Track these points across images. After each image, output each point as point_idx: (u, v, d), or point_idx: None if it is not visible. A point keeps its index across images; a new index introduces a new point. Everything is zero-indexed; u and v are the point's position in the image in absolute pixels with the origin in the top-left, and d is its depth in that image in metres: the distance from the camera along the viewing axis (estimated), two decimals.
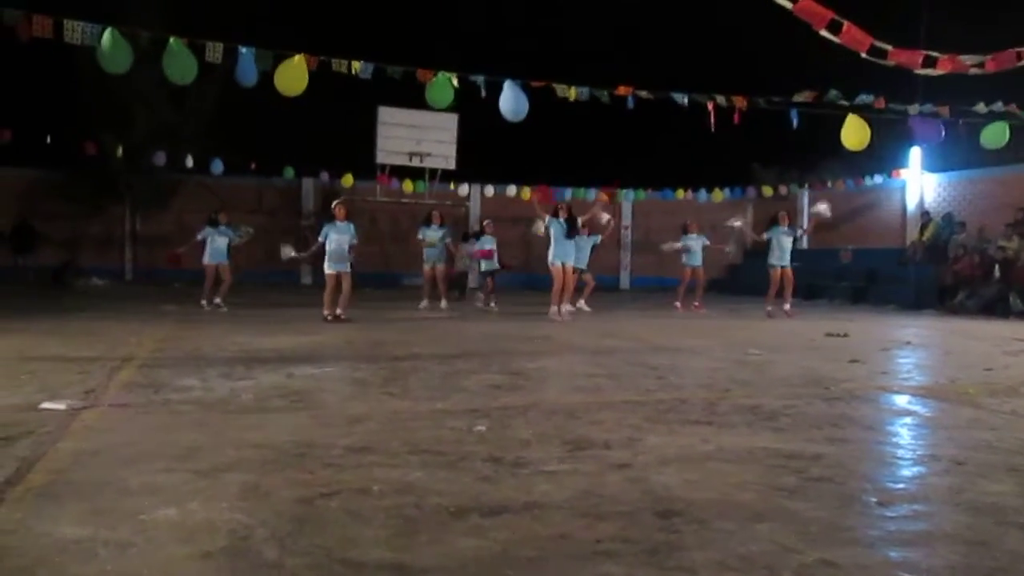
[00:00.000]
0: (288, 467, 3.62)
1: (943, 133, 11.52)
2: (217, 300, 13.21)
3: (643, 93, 12.03)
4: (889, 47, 9.58)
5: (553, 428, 4.53)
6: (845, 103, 11.21)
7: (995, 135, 11.99)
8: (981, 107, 12.29)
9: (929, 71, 10.07)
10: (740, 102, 12.08)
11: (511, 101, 10.98)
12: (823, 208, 14.24)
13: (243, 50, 10.18)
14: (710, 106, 12.04)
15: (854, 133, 11.36)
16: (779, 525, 2.93)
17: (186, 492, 3.21)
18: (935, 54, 9.84)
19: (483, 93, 11.33)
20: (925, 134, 11.51)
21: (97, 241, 22.47)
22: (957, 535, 2.90)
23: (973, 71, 10.13)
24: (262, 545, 2.67)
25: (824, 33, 9.10)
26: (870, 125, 11.61)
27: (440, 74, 10.94)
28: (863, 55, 9.50)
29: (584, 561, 2.58)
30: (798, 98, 12.22)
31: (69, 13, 9.39)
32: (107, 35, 9.30)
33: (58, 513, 2.95)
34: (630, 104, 12.00)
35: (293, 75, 10.12)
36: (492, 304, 14.74)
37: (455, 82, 11.04)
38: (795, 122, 12.43)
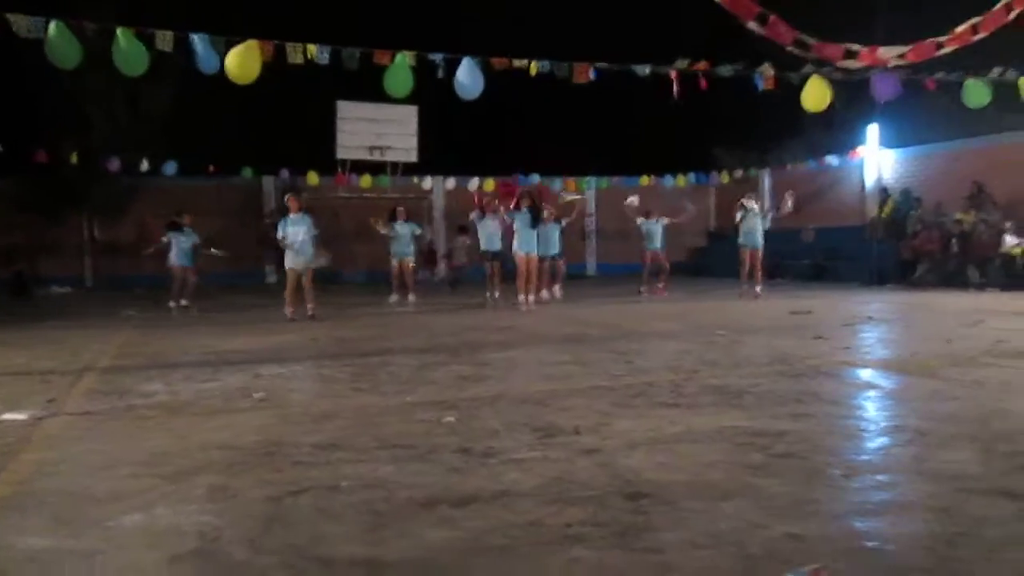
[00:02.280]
0: (256, 467, 3.60)
1: (900, 88, 11.53)
2: (183, 302, 13.07)
3: (603, 65, 11.96)
4: (812, 41, 9.78)
5: (522, 417, 4.54)
6: (809, 62, 11.16)
7: (977, 94, 11.91)
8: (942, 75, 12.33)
9: (850, 63, 10.26)
10: (702, 66, 12.05)
11: (467, 77, 10.89)
12: (790, 203, 14.42)
13: (195, 37, 9.96)
14: (673, 75, 12.00)
15: (815, 94, 11.33)
16: (746, 502, 2.97)
17: (153, 497, 3.18)
18: (856, 47, 10.03)
19: (440, 73, 11.15)
20: (884, 90, 11.51)
21: (55, 249, 22.07)
22: (920, 503, 2.96)
23: (893, 63, 10.36)
24: (232, 546, 2.65)
25: (751, 25, 9.28)
26: (832, 88, 11.57)
27: (398, 57, 10.78)
28: (787, 48, 9.72)
29: (554, 546, 2.60)
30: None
31: (13, 8, 9.18)
32: (53, 28, 9.10)
33: (22, 524, 2.91)
34: (592, 76, 11.93)
35: (244, 60, 9.89)
36: (494, 296, 13.83)
37: (412, 62, 10.88)
38: (759, 86, 12.38)
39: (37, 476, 3.54)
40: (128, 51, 9.51)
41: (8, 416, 4.75)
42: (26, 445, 4.11)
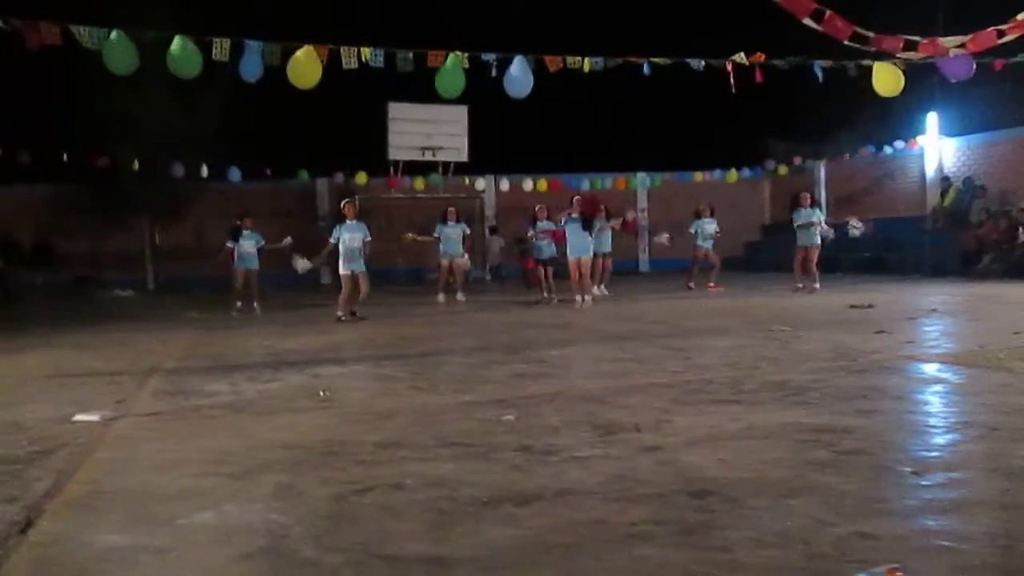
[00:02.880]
0: (320, 466, 3.65)
1: (973, 67, 11.13)
2: (255, 304, 13.32)
3: (658, 60, 11.84)
4: (871, 34, 9.60)
5: (581, 414, 4.53)
6: (871, 50, 10.87)
7: None
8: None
9: (911, 55, 10.04)
10: (759, 58, 11.85)
11: (516, 77, 10.88)
12: (857, 226, 14.18)
13: (249, 43, 10.14)
14: (728, 67, 11.83)
15: (886, 79, 11.02)
16: (813, 500, 2.92)
17: (221, 495, 3.24)
18: (916, 38, 9.83)
19: (494, 72, 11.15)
20: (957, 70, 11.12)
21: (118, 254, 22.66)
22: (994, 501, 2.88)
23: (953, 52, 10.11)
24: (300, 544, 2.69)
25: (807, 21, 9.16)
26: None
27: (450, 57, 10.81)
28: (845, 42, 9.56)
29: (619, 545, 2.59)
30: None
31: (73, 19, 9.43)
32: (113, 35, 9.34)
33: (97, 522, 2.99)
34: (646, 70, 11.82)
35: (305, 67, 10.05)
36: (551, 295, 13.64)
37: (465, 63, 10.90)
38: (820, 77, 12.12)
39: (110, 475, 3.63)
40: (181, 56, 9.69)
41: (81, 417, 4.88)
42: (98, 445, 4.22)
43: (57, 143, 18.99)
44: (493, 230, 20.21)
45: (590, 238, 12.88)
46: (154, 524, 2.93)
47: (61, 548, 2.75)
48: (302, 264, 12.54)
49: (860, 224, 14.55)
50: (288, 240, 13.40)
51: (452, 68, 10.80)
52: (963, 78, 11.41)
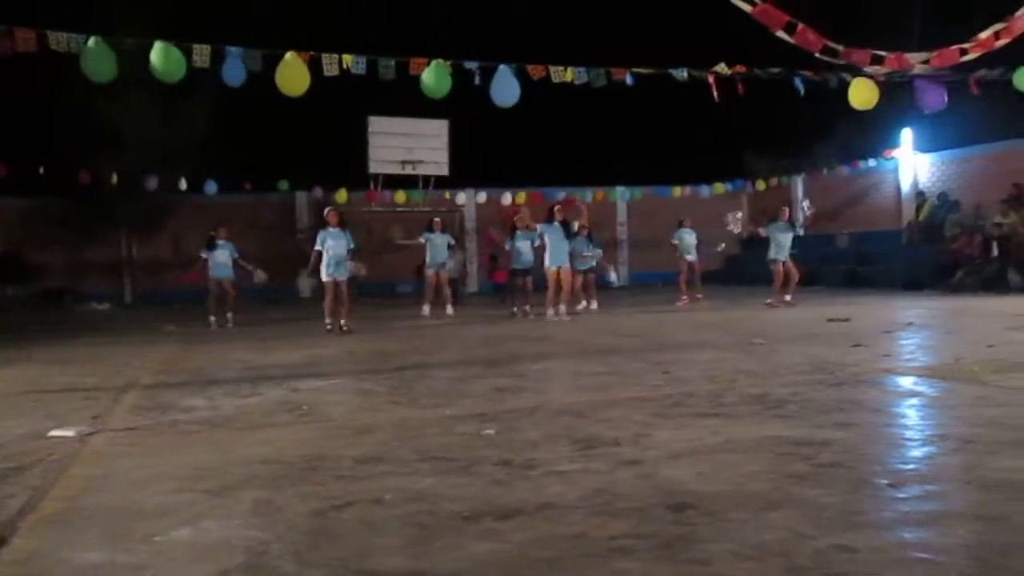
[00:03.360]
0: (299, 481, 3.62)
1: (946, 99, 11.32)
2: (228, 315, 13.28)
3: (641, 71, 11.92)
4: (840, 47, 9.79)
5: (561, 428, 4.54)
6: (841, 63, 11.02)
7: None
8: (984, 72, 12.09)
9: (877, 68, 10.24)
10: (740, 69, 11.97)
11: (502, 85, 10.91)
12: (806, 207, 14.33)
13: (230, 49, 10.09)
14: (711, 79, 11.93)
15: (862, 93, 11.16)
16: (792, 512, 2.94)
17: (199, 511, 3.21)
18: (882, 53, 10.04)
19: (477, 80, 11.14)
20: (931, 101, 11.32)
21: (95, 266, 22.48)
22: (970, 513, 2.91)
23: (918, 68, 10.33)
24: (279, 560, 2.67)
25: (780, 34, 9.34)
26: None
27: (435, 62, 10.81)
28: (816, 55, 9.75)
29: (600, 559, 2.59)
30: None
31: (50, 25, 9.36)
32: (91, 42, 9.27)
33: (73, 539, 2.95)
34: (629, 81, 11.89)
35: (293, 74, 10.02)
36: (529, 307, 13.64)
37: (449, 70, 10.90)
38: (801, 90, 12.25)
39: (86, 491, 3.59)
40: (163, 60, 9.62)
41: (56, 433, 4.83)
42: (74, 461, 4.18)
43: (33, 155, 18.82)
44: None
45: (569, 247, 12.82)
46: (131, 541, 2.90)
47: (36, 566, 2.72)
48: (259, 275, 12.72)
49: (808, 208, 14.68)
50: (262, 276, 13.52)
51: (438, 67, 10.75)
52: (936, 109, 11.63)
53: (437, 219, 14.75)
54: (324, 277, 11.51)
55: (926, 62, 10.26)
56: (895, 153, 21.09)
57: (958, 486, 3.26)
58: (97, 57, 9.31)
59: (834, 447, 3.89)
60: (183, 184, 20.48)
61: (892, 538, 2.70)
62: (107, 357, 9.34)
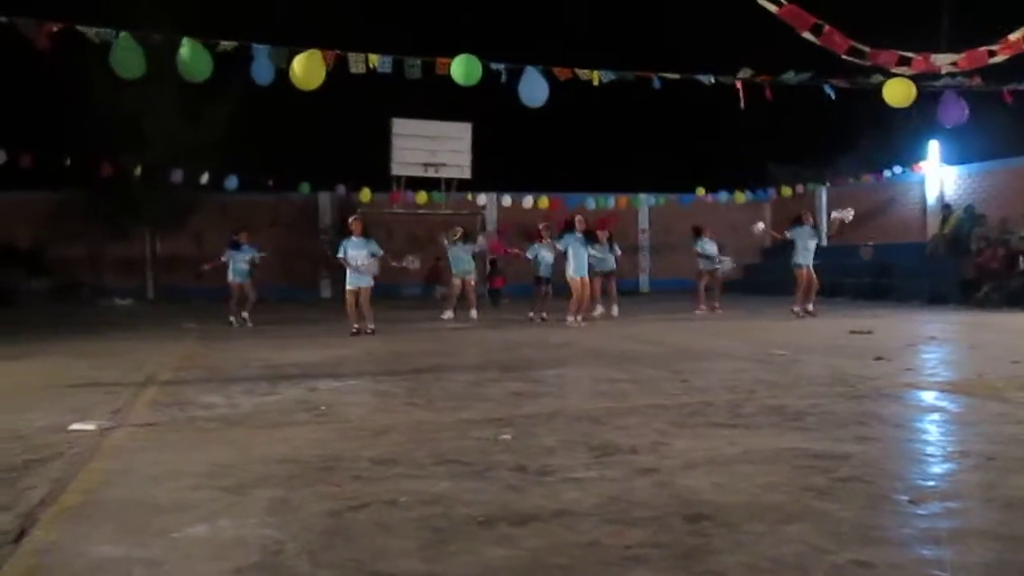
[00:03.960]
0: (316, 481, 3.64)
1: (966, 114, 11.18)
2: (244, 315, 13.37)
3: (668, 75, 11.86)
4: (867, 48, 9.70)
5: (578, 435, 4.53)
6: (867, 65, 10.89)
7: None
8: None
9: (904, 70, 10.13)
10: (767, 77, 11.88)
11: (531, 85, 10.85)
12: (845, 213, 14.12)
13: (257, 47, 10.10)
14: (738, 84, 11.84)
15: (898, 91, 10.98)
16: (809, 526, 2.92)
17: (216, 508, 3.23)
18: (909, 54, 9.93)
19: (504, 78, 11.07)
20: (951, 116, 11.18)
21: (118, 261, 22.68)
22: (990, 531, 2.87)
23: (946, 70, 10.21)
24: (293, 559, 2.68)
25: (807, 35, 9.26)
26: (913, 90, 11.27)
27: (463, 54, 10.74)
28: (842, 56, 9.66)
29: (614, 567, 2.58)
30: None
31: (80, 20, 9.44)
32: (121, 38, 9.34)
33: (92, 532, 2.98)
34: (656, 85, 11.83)
35: (309, 67, 9.99)
36: (545, 315, 13.73)
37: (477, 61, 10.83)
38: (832, 95, 12.12)
39: (105, 486, 3.63)
40: (191, 58, 9.65)
41: (77, 426, 4.88)
42: (94, 455, 4.22)
43: (60, 149, 19.02)
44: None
45: (593, 256, 12.84)
46: (148, 536, 2.92)
47: (54, 558, 2.74)
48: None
49: (846, 212, 14.61)
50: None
51: (467, 60, 10.65)
52: (957, 123, 11.51)
53: (459, 228, 14.81)
54: (348, 286, 11.55)
55: (954, 64, 10.12)
56: (921, 166, 20.90)
57: (978, 504, 3.22)
58: (126, 53, 9.37)
59: (853, 461, 3.85)
60: (205, 180, 20.58)
61: (910, 555, 2.67)
62: (128, 352, 9.43)
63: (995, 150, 19.25)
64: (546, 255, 13.59)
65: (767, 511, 3.10)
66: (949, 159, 20.50)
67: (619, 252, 15.07)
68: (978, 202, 19.06)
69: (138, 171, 19.84)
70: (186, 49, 9.61)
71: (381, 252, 11.75)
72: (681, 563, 2.60)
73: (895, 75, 10.69)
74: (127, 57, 9.40)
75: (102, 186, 20.15)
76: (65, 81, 18.60)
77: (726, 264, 15.86)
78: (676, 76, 11.92)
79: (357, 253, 11.45)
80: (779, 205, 24.66)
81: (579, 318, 12.62)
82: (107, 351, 9.59)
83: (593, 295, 13.67)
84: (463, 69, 10.63)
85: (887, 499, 3.29)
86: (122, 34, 9.40)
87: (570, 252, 12.62)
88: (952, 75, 10.98)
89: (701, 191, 23.23)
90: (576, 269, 12.59)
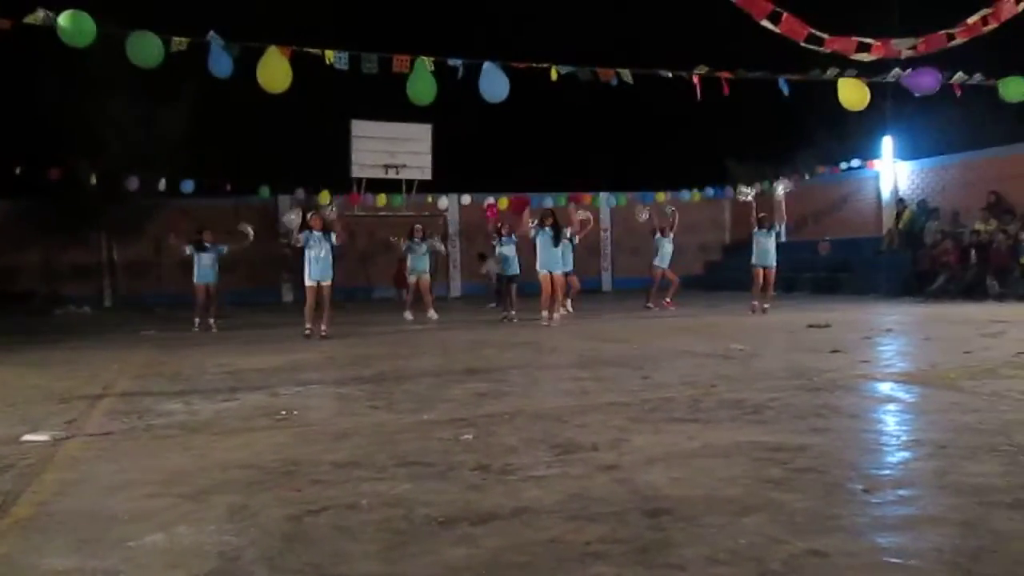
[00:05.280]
0: (275, 486, 3.60)
1: (939, 82, 11.27)
2: (210, 320, 13.22)
3: (626, 70, 11.89)
4: (825, 36, 9.81)
5: (540, 433, 4.54)
6: (825, 52, 11.02)
7: (1015, 88, 11.64)
8: (960, 75, 12.11)
9: (863, 56, 10.26)
10: (726, 74, 11.98)
11: (491, 81, 10.80)
12: (786, 184, 14.34)
13: (212, 34, 9.89)
14: (695, 79, 11.92)
15: (852, 93, 11.11)
16: (766, 517, 2.95)
17: (173, 517, 3.19)
18: (868, 40, 10.05)
19: (460, 74, 11.01)
20: (923, 83, 11.23)
21: (74, 269, 22.30)
22: (943, 518, 2.93)
23: (905, 54, 10.35)
24: (252, 565, 2.66)
25: (764, 23, 9.34)
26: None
27: (417, 62, 10.67)
28: (801, 43, 9.75)
29: (574, 563, 2.59)
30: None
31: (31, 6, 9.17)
32: (67, 13, 9.02)
33: (44, 545, 2.92)
34: (614, 83, 11.87)
35: (275, 69, 9.86)
36: (512, 313, 13.95)
37: (431, 67, 10.75)
38: (786, 91, 12.24)
39: (59, 497, 3.56)
40: (141, 43, 9.39)
41: (29, 437, 4.78)
42: (47, 466, 4.13)
43: (9, 156, 18.64)
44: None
45: (560, 252, 12.86)
46: (103, 546, 2.88)
47: (7, 571, 2.69)
48: (245, 228, 13.11)
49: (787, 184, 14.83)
50: (248, 229, 13.41)
51: (421, 72, 10.60)
52: (928, 92, 11.56)
53: (418, 226, 14.84)
54: (307, 282, 11.43)
55: (913, 48, 10.24)
56: (875, 163, 21.23)
57: (932, 491, 3.28)
58: (73, 24, 9.00)
59: (810, 452, 3.91)
60: (163, 186, 20.30)
61: (865, 543, 2.72)
62: (84, 361, 9.26)
63: (947, 145, 19.65)
64: (507, 252, 13.69)
65: (725, 504, 3.13)
66: (902, 154, 20.87)
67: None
68: (931, 196, 19.44)
69: (93, 179, 19.52)
70: (135, 40, 9.37)
71: (338, 244, 11.65)
72: (640, 557, 2.62)
73: (853, 63, 10.79)
74: (75, 27, 9.04)
75: (56, 193, 19.81)
76: (13, 84, 18.23)
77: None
78: (635, 71, 11.96)
79: (318, 247, 11.32)
80: (738, 203, 24.88)
81: (552, 314, 12.60)
82: (62, 360, 9.41)
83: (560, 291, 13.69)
84: (418, 88, 10.57)
85: (842, 488, 3.34)
86: (69, 11, 9.06)
87: (538, 247, 12.63)
88: (903, 68, 11.12)
89: (661, 196, 23.33)
90: (542, 264, 12.60)
